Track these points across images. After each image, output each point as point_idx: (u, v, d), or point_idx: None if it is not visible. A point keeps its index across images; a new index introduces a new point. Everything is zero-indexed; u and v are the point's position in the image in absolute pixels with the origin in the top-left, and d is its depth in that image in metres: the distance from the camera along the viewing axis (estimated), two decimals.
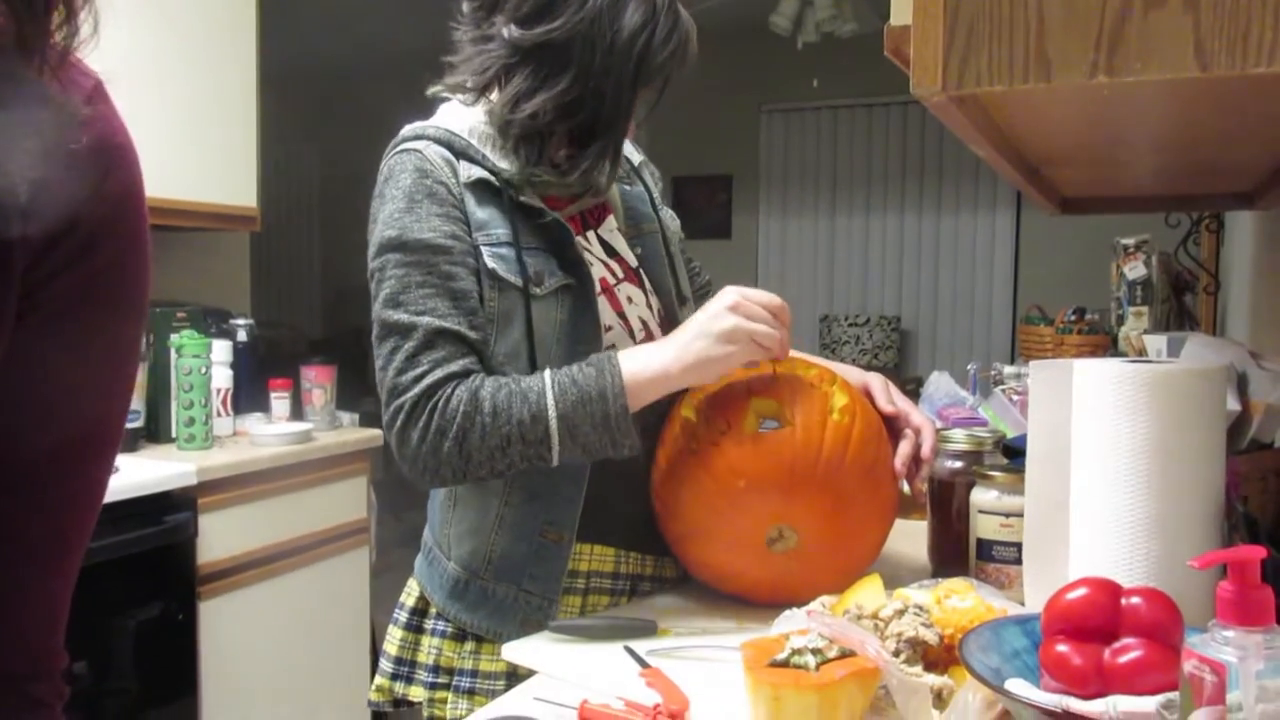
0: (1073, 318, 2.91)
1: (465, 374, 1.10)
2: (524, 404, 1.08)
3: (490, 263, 1.13)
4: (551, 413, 1.08)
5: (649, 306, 1.27)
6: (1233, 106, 0.82)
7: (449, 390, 1.08)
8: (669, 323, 1.28)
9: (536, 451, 1.09)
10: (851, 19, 4.40)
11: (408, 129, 1.21)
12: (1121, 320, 2.54)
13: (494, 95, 1.18)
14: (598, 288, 1.19)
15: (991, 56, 0.66)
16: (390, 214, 1.13)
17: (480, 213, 1.14)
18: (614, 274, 1.24)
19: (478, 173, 1.15)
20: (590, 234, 1.26)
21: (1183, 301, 2.60)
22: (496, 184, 1.16)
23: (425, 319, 1.09)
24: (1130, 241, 2.53)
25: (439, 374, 1.08)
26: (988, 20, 0.66)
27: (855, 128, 5.95)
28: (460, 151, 1.16)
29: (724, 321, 1.09)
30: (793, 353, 1.32)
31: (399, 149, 1.17)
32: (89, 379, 0.59)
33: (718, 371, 1.11)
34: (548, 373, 1.11)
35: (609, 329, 1.19)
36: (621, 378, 1.09)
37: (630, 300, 1.24)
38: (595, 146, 1.16)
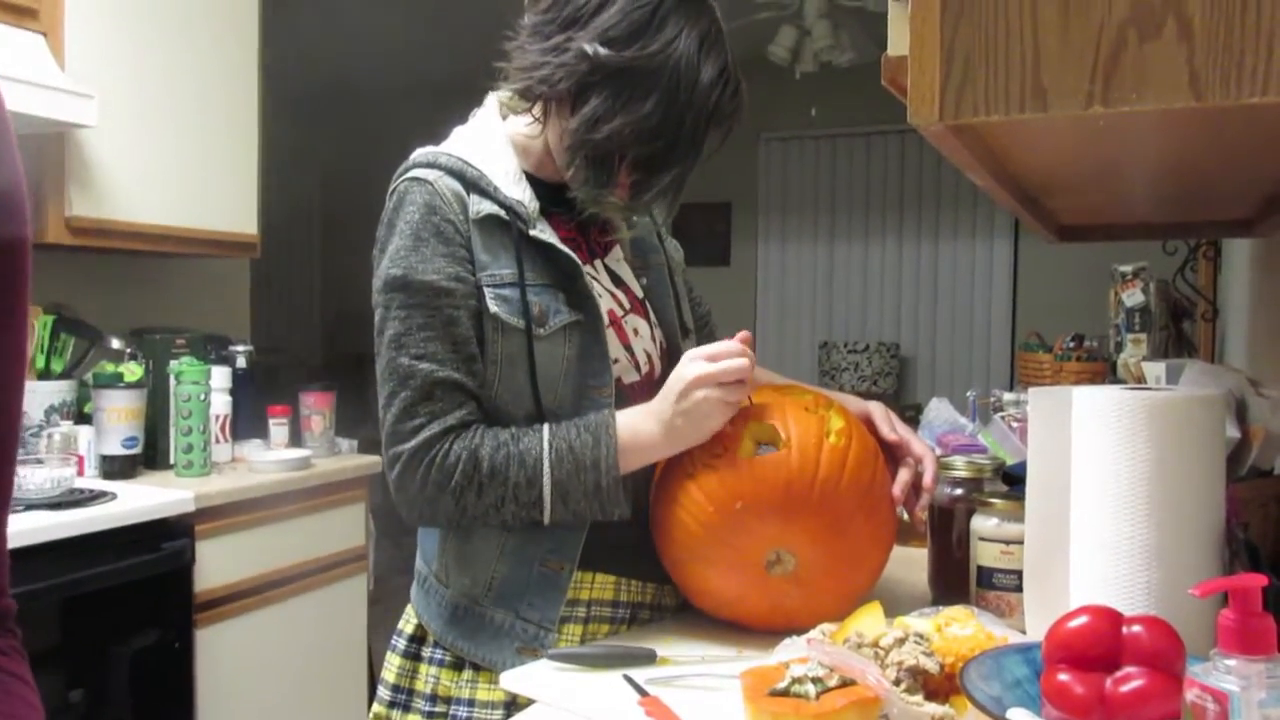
0: (1071, 345, 2.92)
1: (463, 426, 1.13)
2: (520, 468, 1.11)
3: (493, 306, 1.14)
4: (546, 480, 1.11)
5: (653, 339, 1.27)
6: (1228, 136, 0.83)
7: (447, 445, 1.11)
8: (671, 355, 1.28)
9: (528, 513, 1.13)
10: (849, 49, 4.44)
11: (419, 153, 1.21)
12: (1120, 347, 2.55)
13: (536, 109, 1.18)
14: (606, 321, 1.19)
15: (988, 87, 0.67)
16: (397, 250, 1.13)
17: (485, 253, 1.15)
18: (621, 305, 1.24)
19: (487, 208, 1.15)
20: (598, 263, 1.26)
21: (1181, 328, 2.61)
22: (506, 218, 1.16)
23: (425, 365, 1.11)
24: (1128, 269, 2.54)
25: (437, 428, 1.11)
26: (984, 51, 0.67)
27: (853, 156, 5.98)
28: (471, 183, 1.16)
29: (692, 397, 1.10)
30: (789, 380, 1.32)
31: (410, 175, 1.17)
32: None
33: (699, 441, 1.13)
34: (546, 433, 1.13)
35: (615, 361, 1.19)
36: (616, 449, 1.12)
37: (636, 333, 1.25)
38: (665, 176, 1.15)
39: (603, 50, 1.10)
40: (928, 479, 1.19)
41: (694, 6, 1.13)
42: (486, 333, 1.15)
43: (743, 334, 1.14)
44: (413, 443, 1.12)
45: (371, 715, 1.25)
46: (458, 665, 1.19)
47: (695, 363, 1.12)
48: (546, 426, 1.14)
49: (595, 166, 1.14)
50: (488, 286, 1.14)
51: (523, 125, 1.22)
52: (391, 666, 1.25)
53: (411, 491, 1.13)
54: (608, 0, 1.11)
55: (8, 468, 0.68)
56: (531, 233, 1.16)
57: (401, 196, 1.16)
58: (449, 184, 1.15)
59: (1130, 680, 0.73)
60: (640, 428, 1.14)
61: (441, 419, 1.12)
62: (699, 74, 1.12)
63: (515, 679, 1.07)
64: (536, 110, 1.18)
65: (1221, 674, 0.61)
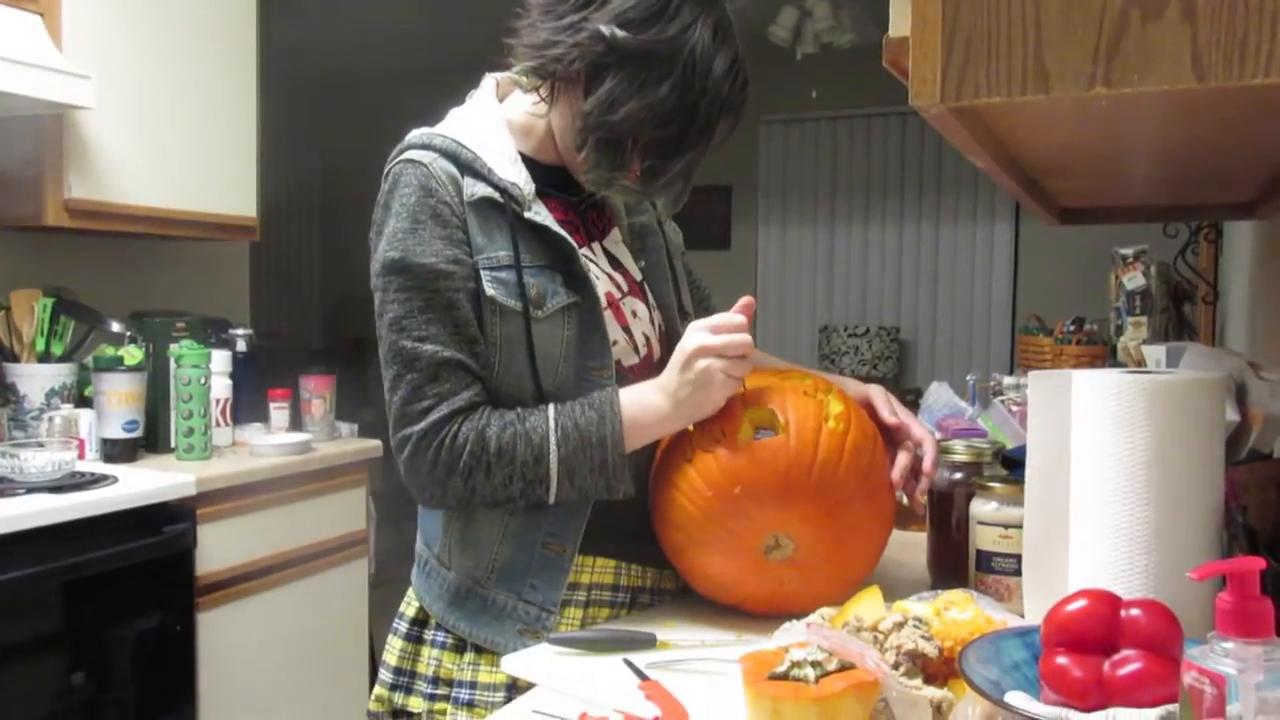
0: (1071, 328, 2.91)
1: (471, 407, 1.13)
2: (528, 446, 1.12)
3: (490, 289, 1.13)
4: (553, 456, 1.12)
5: (651, 321, 1.27)
6: (1231, 117, 0.82)
7: (455, 426, 1.12)
8: (670, 338, 1.28)
9: (535, 492, 1.13)
10: (850, 30, 4.42)
11: (414, 135, 1.20)
12: (1120, 330, 2.54)
13: (544, 89, 1.17)
14: (603, 302, 1.19)
15: (989, 68, 0.67)
16: (394, 232, 1.13)
17: (480, 235, 1.14)
18: (619, 288, 1.24)
19: (481, 190, 1.15)
20: (596, 245, 1.26)
21: (1181, 312, 2.60)
22: (500, 200, 1.15)
23: (429, 347, 1.12)
24: (1129, 252, 2.53)
25: (445, 409, 1.12)
26: (986, 32, 0.67)
27: (854, 138, 5.96)
28: (466, 165, 1.16)
29: (695, 367, 1.11)
30: (787, 364, 1.32)
31: (404, 157, 1.17)
32: None
33: (706, 413, 1.13)
34: (551, 411, 1.13)
35: (614, 344, 1.19)
36: (622, 425, 1.13)
37: (635, 315, 1.25)
38: (678, 162, 1.15)
39: (620, 32, 1.09)
40: (927, 463, 1.19)
41: None
42: (485, 315, 1.14)
43: (745, 300, 1.14)
44: (422, 425, 1.12)
45: (373, 698, 1.25)
46: (459, 648, 1.20)
47: (698, 333, 1.12)
48: (552, 405, 1.14)
49: (608, 149, 1.13)
50: (484, 269, 1.14)
51: (525, 106, 1.21)
52: (393, 649, 1.25)
53: (422, 473, 1.13)
54: None
55: None
56: (526, 215, 1.15)
57: (396, 178, 1.16)
58: (443, 166, 1.15)
59: (1128, 663, 0.73)
60: (646, 402, 1.14)
61: (449, 400, 1.12)
62: (713, 63, 1.11)
63: (516, 663, 1.07)
64: (544, 90, 1.17)
65: (1219, 657, 0.61)
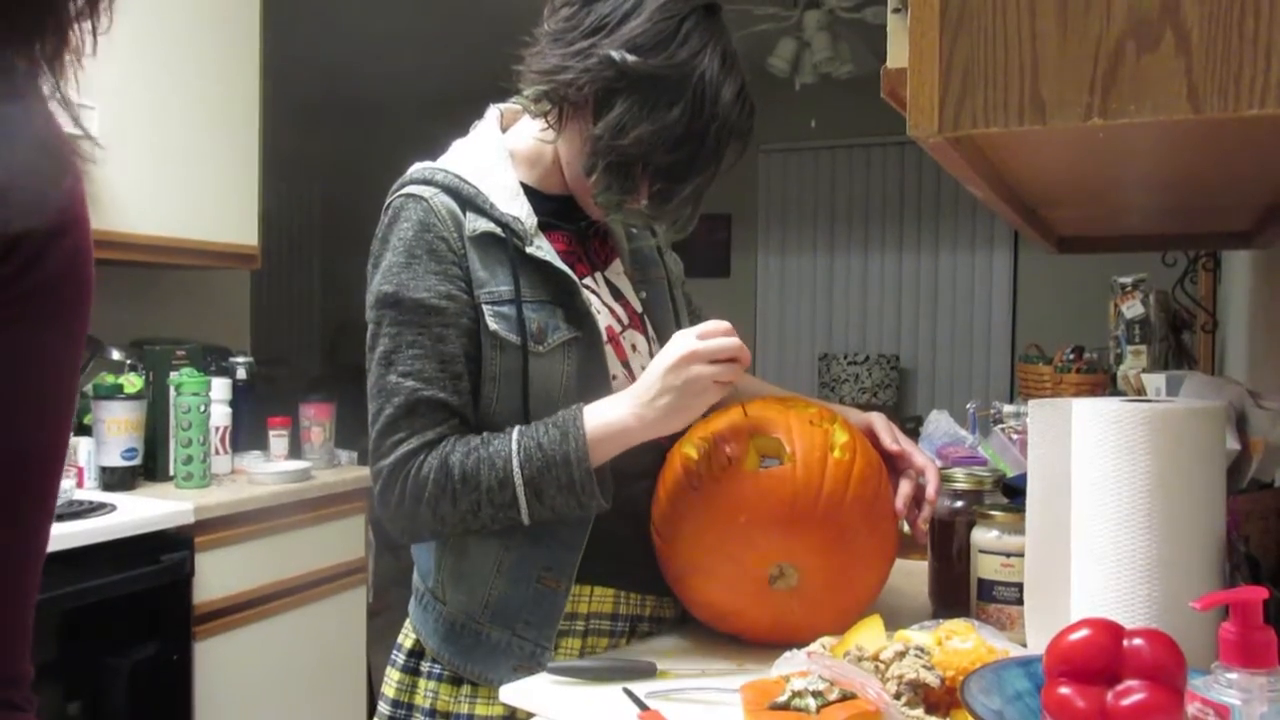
0: (1071, 356, 2.91)
1: (440, 440, 1.13)
2: (491, 470, 1.11)
3: (492, 323, 1.14)
4: (517, 479, 1.11)
5: (650, 354, 1.27)
6: (1227, 147, 0.83)
7: (422, 458, 1.12)
8: None
9: (506, 514, 1.12)
10: (848, 61, 4.45)
11: (416, 169, 1.21)
12: (1120, 359, 2.55)
13: (552, 115, 1.17)
14: (604, 337, 1.19)
15: (987, 99, 0.67)
16: (389, 266, 1.14)
17: (482, 270, 1.15)
18: (619, 320, 1.24)
19: (483, 225, 1.15)
20: (598, 275, 1.26)
21: (1180, 340, 2.60)
22: (501, 235, 1.16)
23: (409, 383, 1.12)
24: (1128, 280, 2.54)
25: (415, 443, 1.12)
26: (983, 63, 0.67)
27: (853, 168, 5.99)
28: (467, 200, 1.16)
29: (685, 373, 1.09)
30: (790, 393, 1.32)
31: (405, 191, 1.17)
32: (25, 396, 0.60)
33: (684, 423, 1.12)
34: (515, 433, 1.12)
35: (614, 378, 1.19)
36: (585, 440, 1.11)
37: (634, 348, 1.25)
38: (687, 186, 1.15)
39: (630, 57, 1.10)
40: (930, 491, 1.19)
41: (715, 24, 1.14)
42: (485, 350, 1.14)
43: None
44: (391, 459, 1.12)
45: None
46: (456, 680, 1.19)
47: (686, 339, 1.11)
48: (517, 427, 1.13)
49: (617, 173, 1.13)
50: (486, 304, 1.14)
51: (531, 133, 1.21)
52: (391, 681, 1.24)
53: (391, 507, 1.13)
54: (633, 11, 1.11)
55: (45, 508, 0.65)
56: (528, 250, 1.16)
57: (396, 212, 1.16)
58: (444, 201, 1.15)
59: (1131, 694, 0.73)
60: (613, 412, 1.12)
61: (420, 434, 1.12)
62: (722, 88, 1.12)
63: (514, 693, 1.06)
64: (553, 116, 1.18)
65: (1223, 687, 0.61)
